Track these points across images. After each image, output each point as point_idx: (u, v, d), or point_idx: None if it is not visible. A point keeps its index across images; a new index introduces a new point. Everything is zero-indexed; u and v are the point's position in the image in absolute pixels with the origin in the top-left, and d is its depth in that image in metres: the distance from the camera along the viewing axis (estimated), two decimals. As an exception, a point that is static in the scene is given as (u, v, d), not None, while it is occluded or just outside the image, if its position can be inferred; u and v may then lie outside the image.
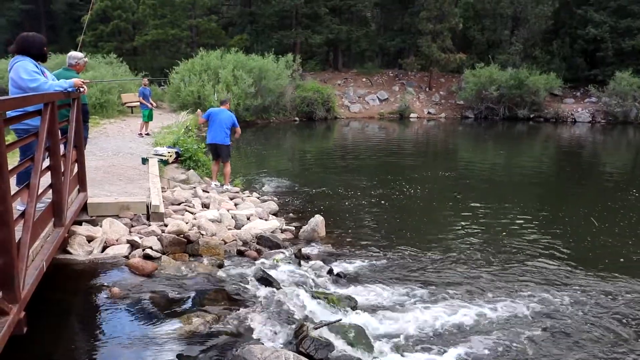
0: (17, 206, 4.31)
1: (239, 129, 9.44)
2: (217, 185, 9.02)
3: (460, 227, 8.07)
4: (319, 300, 4.80)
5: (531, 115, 29.26)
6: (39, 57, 4.62)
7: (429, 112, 31.28)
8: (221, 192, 8.50)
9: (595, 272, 6.23)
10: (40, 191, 3.73)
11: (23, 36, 4.58)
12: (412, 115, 30.53)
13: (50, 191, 4.26)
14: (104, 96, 18.94)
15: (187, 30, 34.02)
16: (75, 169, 5.41)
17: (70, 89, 4.70)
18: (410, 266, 6.32)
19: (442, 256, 6.71)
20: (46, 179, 4.15)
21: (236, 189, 9.20)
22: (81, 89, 4.89)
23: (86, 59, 6.82)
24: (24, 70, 4.35)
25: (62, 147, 4.56)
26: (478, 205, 9.50)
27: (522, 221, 8.43)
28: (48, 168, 4.16)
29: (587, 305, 5.30)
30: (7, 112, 3.12)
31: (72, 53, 6.44)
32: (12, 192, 2.99)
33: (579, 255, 6.84)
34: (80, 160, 5.47)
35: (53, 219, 4.28)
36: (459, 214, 8.91)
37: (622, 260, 6.71)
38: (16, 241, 2.92)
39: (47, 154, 4.09)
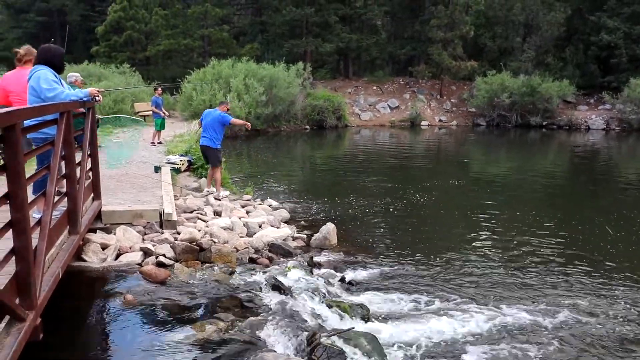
0: (34, 214, 4.36)
1: (236, 120, 9.10)
2: (209, 192, 8.64)
3: (472, 236, 8.01)
4: (331, 308, 4.79)
5: (544, 123, 29.03)
6: (59, 68, 4.72)
7: (440, 120, 31.20)
8: (215, 199, 8.23)
9: (610, 281, 6.15)
10: (55, 199, 3.78)
11: (46, 47, 4.69)
12: (423, 123, 30.46)
13: (66, 199, 4.31)
14: (117, 105, 19.21)
15: (199, 40, 34.39)
16: (90, 178, 5.48)
17: (85, 99, 4.77)
18: (422, 274, 6.28)
19: (455, 264, 6.66)
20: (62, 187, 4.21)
21: (248, 196, 9.23)
22: (97, 98, 4.96)
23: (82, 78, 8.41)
24: (44, 80, 4.44)
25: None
26: (490, 213, 9.43)
27: (535, 229, 8.35)
28: (63, 176, 4.22)
29: (601, 313, 5.23)
30: (24, 122, 3.18)
31: (71, 73, 7.04)
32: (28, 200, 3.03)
33: (593, 264, 6.75)
34: (94, 168, 5.54)
35: (68, 227, 4.33)
36: (471, 222, 8.85)
37: (637, 268, 6.60)
38: (33, 248, 2.96)
39: (62, 162, 4.15)
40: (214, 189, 8.84)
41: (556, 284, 6.05)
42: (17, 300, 2.82)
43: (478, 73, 30.88)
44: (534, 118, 29.00)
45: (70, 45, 40.24)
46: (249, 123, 9.36)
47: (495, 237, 7.93)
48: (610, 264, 6.76)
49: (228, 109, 9.10)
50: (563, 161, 18.47)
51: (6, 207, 2.74)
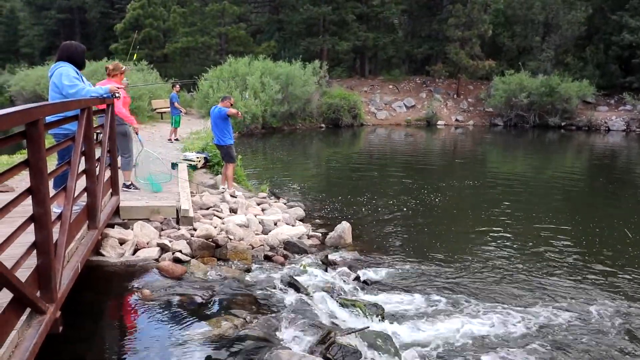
0: (54, 209, 4.43)
1: (231, 110, 8.47)
2: (224, 189, 8.58)
3: (488, 237, 7.94)
4: (346, 307, 4.79)
5: (563, 123, 28.60)
6: (80, 64, 4.80)
7: (456, 119, 30.94)
8: (231, 196, 8.22)
9: (627, 283, 6.04)
10: (75, 194, 3.83)
11: (67, 44, 4.78)
12: (439, 122, 30.24)
13: (85, 194, 4.37)
14: (134, 102, 19.36)
15: (216, 38, 34.57)
16: (109, 173, 5.55)
17: (105, 95, 4.83)
18: (437, 274, 6.24)
19: (470, 265, 6.61)
20: (81, 183, 4.27)
21: (263, 194, 9.27)
22: (116, 95, 5.02)
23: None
24: (66, 76, 4.52)
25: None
26: (507, 214, 9.33)
27: (551, 231, 8.25)
28: (83, 172, 4.28)
29: (617, 316, 5.15)
30: (46, 117, 3.23)
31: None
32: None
33: (610, 266, 6.64)
34: (113, 164, 5.61)
35: (87, 222, 4.39)
36: (488, 223, 8.77)
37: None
38: (53, 242, 3.00)
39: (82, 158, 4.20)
40: (224, 186, 8.88)
41: (573, 286, 5.97)
42: (38, 293, 2.87)
43: (496, 72, 30.53)
44: (552, 118, 28.58)
45: (89, 42, 40.86)
46: (240, 112, 9.03)
47: (511, 238, 7.84)
48: (630, 267, 6.65)
49: (231, 104, 8.73)
50: (582, 162, 18.19)
51: (28, 201, 2.78)
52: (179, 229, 6.00)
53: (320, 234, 7.44)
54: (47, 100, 4.82)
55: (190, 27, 34.24)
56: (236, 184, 9.53)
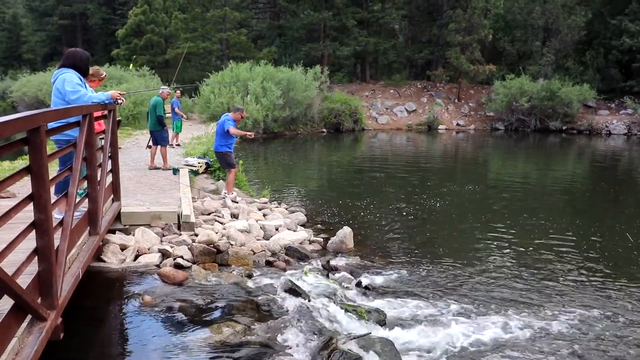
0: (55, 215, 4.42)
1: (235, 130, 8.60)
2: (226, 195, 8.62)
3: (490, 241, 7.92)
4: (347, 312, 4.77)
5: (563, 127, 28.64)
6: (84, 71, 4.82)
7: (457, 124, 30.96)
8: (232, 201, 8.28)
9: (629, 288, 6.02)
10: (77, 200, 3.83)
11: (72, 51, 4.80)
12: (440, 126, 30.27)
13: (86, 200, 4.37)
14: (136, 108, 19.46)
15: (217, 44, 34.71)
16: (110, 179, 5.55)
17: (107, 102, 4.84)
18: (439, 280, 6.23)
19: (472, 270, 6.58)
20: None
21: (265, 199, 9.26)
22: (119, 101, 5.02)
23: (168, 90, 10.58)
24: (69, 82, 4.54)
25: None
26: (509, 219, 9.31)
27: (553, 235, 8.22)
28: (85, 178, 4.28)
29: (621, 321, 5.12)
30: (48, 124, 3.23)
31: (162, 86, 8.10)
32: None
33: (612, 270, 6.62)
34: (114, 170, 5.61)
35: (88, 228, 4.38)
36: (489, 227, 8.75)
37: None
38: (55, 249, 3.00)
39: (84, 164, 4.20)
40: (225, 192, 8.93)
41: (575, 292, 5.94)
42: (39, 300, 2.86)
43: (496, 77, 30.61)
44: (553, 122, 28.62)
45: (91, 48, 41.03)
46: (250, 133, 9.26)
47: (513, 243, 7.82)
48: (631, 271, 6.62)
49: (242, 117, 8.84)
50: (583, 166, 18.17)
51: (30, 208, 2.77)
52: (180, 235, 5.99)
53: (322, 239, 7.43)
54: (49, 106, 4.83)
55: (192, 32, 34.41)
56: (237, 189, 9.52)
